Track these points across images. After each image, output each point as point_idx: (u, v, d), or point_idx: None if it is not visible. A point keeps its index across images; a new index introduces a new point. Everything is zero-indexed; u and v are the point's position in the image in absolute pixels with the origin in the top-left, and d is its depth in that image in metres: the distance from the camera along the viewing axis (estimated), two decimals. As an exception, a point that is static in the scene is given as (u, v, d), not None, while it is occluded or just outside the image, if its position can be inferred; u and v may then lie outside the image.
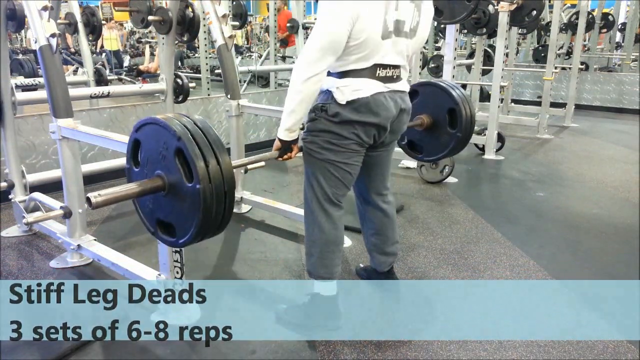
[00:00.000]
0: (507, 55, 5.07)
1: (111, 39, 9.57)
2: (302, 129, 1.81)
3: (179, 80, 3.44)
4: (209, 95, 4.91)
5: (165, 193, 1.41)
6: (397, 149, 2.23)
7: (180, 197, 1.38)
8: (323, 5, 1.62)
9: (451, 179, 3.90)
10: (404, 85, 1.85)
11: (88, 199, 1.30)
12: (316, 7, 6.28)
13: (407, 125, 1.96)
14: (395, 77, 1.78)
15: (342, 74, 1.72)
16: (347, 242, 2.65)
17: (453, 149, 2.41)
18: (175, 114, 1.44)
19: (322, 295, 1.90)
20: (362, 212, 2.14)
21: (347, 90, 1.70)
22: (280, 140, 1.79)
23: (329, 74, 1.74)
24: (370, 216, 2.10)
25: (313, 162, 1.81)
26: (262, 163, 3.37)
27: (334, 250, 1.88)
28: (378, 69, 1.72)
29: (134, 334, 1.80)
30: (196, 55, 10.63)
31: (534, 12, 4.91)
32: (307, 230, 1.91)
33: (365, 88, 1.71)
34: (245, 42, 11.85)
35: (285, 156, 1.83)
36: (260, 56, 8.97)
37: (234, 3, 6.42)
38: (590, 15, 7.50)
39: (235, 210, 3.21)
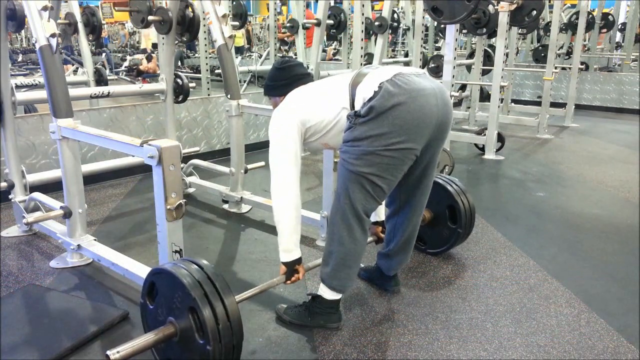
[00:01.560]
0: (507, 55, 5.07)
1: (150, 38, 9.85)
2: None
3: (179, 80, 3.44)
4: (209, 95, 4.91)
5: (177, 339, 1.50)
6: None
7: (190, 348, 1.46)
8: (271, 139, 1.81)
9: (451, 179, 3.90)
10: (417, 69, 1.81)
11: (107, 357, 1.37)
12: (316, 7, 6.27)
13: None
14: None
15: (351, 96, 1.72)
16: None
17: (454, 243, 2.50)
18: (187, 263, 1.52)
19: (324, 298, 1.90)
20: (395, 221, 2.08)
21: (368, 85, 1.67)
22: (283, 263, 1.82)
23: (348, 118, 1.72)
24: (401, 229, 2.06)
25: (344, 174, 1.75)
26: (262, 163, 3.39)
27: (350, 266, 1.85)
28: (360, 73, 1.75)
29: (135, 334, 1.80)
30: (196, 55, 10.63)
31: (534, 12, 4.91)
32: (327, 239, 1.89)
33: (381, 75, 1.68)
34: (247, 43, 11.83)
35: (294, 278, 1.85)
36: (260, 56, 8.97)
37: (234, 3, 6.43)
38: (590, 15, 7.51)
39: (235, 210, 3.21)
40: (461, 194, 2.43)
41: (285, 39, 9.41)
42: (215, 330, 1.39)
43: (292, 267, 1.83)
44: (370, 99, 1.64)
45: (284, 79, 1.95)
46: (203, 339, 1.41)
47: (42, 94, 2.82)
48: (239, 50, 10.97)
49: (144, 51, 9.38)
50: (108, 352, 1.36)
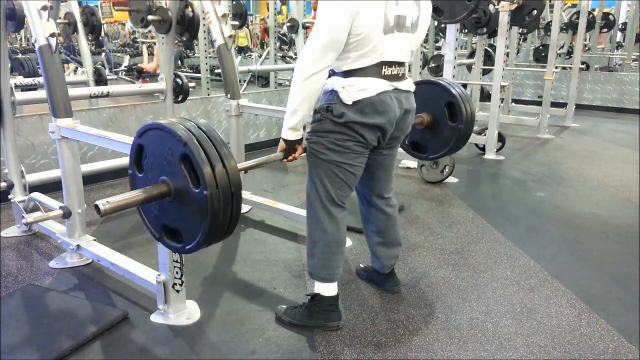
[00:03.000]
0: (507, 54, 5.06)
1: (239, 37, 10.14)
2: (304, 128, 1.81)
3: (178, 80, 3.44)
4: (208, 95, 4.90)
5: (171, 199, 1.40)
6: (400, 150, 2.22)
7: (187, 202, 1.37)
8: (322, 4, 1.62)
9: (451, 179, 3.90)
10: (409, 85, 1.83)
11: (97, 207, 1.29)
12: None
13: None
14: (400, 75, 1.78)
15: (347, 73, 1.71)
16: (348, 242, 2.64)
17: (456, 143, 2.38)
18: (179, 118, 1.42)
19: (322, 295, 1.90)
20: (365, 214, 2.14)
21: (353, 90, 1.69)
22: (284, 140, 1.78)
23: (334, 73, 1.74)
24: (373, 218, 2.10)
25: (317, 163, 1.80)
26: (262, 163, 3.38)
27: (336, 252, 1.87)
28: (384, 67, 1.71)
29: (134, 334, 1.80)
30: (196, 54, 10.62)
31: (535, 12, 4.90)
32: (309, 232, 1.91)
33: (371, 87, 1.70)
34: (250, 42, 11.81)
35: (290, 157, 1.82)
36: (260, 56, 8.97)
37: (234, 3, 6.42)
38: (591, 15, 7.50)
39: (235, 210, 3.21)
40: (462, 96, 2.31)
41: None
42: (210, 175, 1.29)
43: (292, 145, 1.79)
44: (345, 105, 1.70)
45: None
46: (198, 188, 1.31)
47: (42, 93, 2.81)
48: (243, 50, 10.98)
49: (102, 51, 9.35)
50: (97, 202, 1.29)
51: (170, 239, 1.46)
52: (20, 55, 6.84)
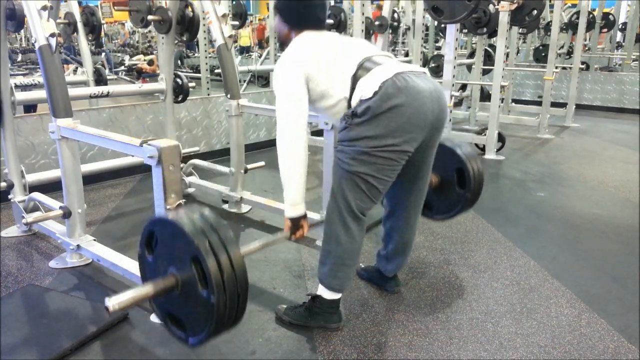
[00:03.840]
0: (507, 54, 5.07)
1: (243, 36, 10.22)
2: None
3: (178, 80, 3.44)
4: (208, 95, 4.90)
5: (178, 291, 1.43)
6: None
7: (193, 299, 1.40)
8: (275, 88, 1.74)
9: (451, 179, 3.90)
10: (418, 67, 1.80)
11: (106, 308, 1.32)
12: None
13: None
14: (397, 62, 1.75)
15: (352, 87, 1.69)
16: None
17: (462, 208, 2.37)
18: (192, 212, 1.43)
19: (324, 298, 1.89)
20: (391, 223, 2.07)
21: (369, 84, 1.65)
22: (288, 218, 1.78)
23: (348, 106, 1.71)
24: (397, 231, 2.06)
25: (340, 173, 1.75)
26: (262, 163, 3.39)
27: (348, 265, 1.84)
28: (366, 63, 1.71)
29: (134, 334, 1.80)
30: (196, 54, 10.63)
31: (535, 12, 4.90)
32: (324, 239, 1.87)
33: (383, 73, 1.65)
34: (252, 42, 11.83)
35: (298, 234, 1.80)
36: (260, 56, 8.97)
37: (234, 3, 6.42)
38: (591, 15, 7.50)
39: (235, 210, 3.21)
40: (471, 159, 2.29)
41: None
42: (219, 281, 1.31)
43: (297, 222, 1.79)
44: (368, 99, 1.64)
45: (301, 10, 1.83)
46: (206, 291, 1.33)
47: (42, 93, 2.81)
48: (246, 50, 10.98)
49: (101, 51, 9.41)
50: (107, 302, 1.30)
51: (174, 326, 1.49)
52: (19, 55, 6.83)
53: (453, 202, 2.34)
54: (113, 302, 1.31)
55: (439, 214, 2.43)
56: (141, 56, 9.83)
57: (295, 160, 1.69)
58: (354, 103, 1.69)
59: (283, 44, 1.89)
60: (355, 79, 1.69)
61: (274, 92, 1.75)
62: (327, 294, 1.88)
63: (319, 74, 1.71)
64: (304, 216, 1.79)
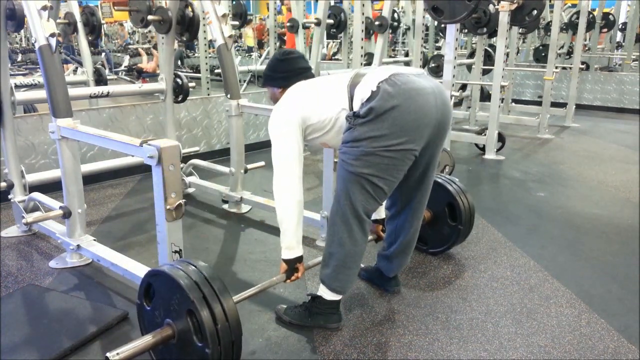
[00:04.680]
0: (507, 54, 5.07)
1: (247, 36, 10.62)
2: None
3: (178, 80, 3.44)
4: (208, 95, 4.90)
5: (174, 341, 1.50)
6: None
7: (189, 350, 1.46)
8: (271, 136, 1.81)
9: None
10: (416, 69, 1.80)
11: (107, 358, 1.37)
12: (316, 7, 6.27)
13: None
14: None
15: (350, 96, 1.71)
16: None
17: (455, 241, 2.48)
18: (184, 265, 1.51)
19: (324, 298, 1.89)
20: (395, 224, 2.07)
21: (366, 86, 1.66)
22: (284, 260, 1.81)
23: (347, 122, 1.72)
24: (402, 232, 2.06)
25: (344, 175, 1.74)
26: (262, 163, 3.39)
27: (351, 267, 1.84)
28: (358, 74, 1.74)
29: (134, 334, 1.80)
30: (196, 54, 10.63)
31: (535, 12, 4.90)
32: (327, 241, 1.87)
33: (379, 74, 1.66)
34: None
35: (293, 277, 1.83)
36: (260, 56, 8.97)
37: (234, 3, 6.42)
38: (591, 15, 7.50)
39: (235, 210, 3.21)
40: (460, 193, 2.42)
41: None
42: (214, 333, 1.39)
43: (293, 265, 1.82)
44: (368, 99, 1.64)
45: (284, 72, 1.94)
46: (202, 342, 1.41)
47: (42, 93, 2.81)
48: (250, 50, 11.00)
49: (102, 52, 9.46)
50: (108, 355, 1.36)
51: None
52: (19, 55, 6.83)
53: (446, 235, 2.48)
54: (113, 354, 1.38)
55: (434, 248, 2.55)
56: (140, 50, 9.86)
57: (291, 205, 1.75)
58: (355, 107, 1.69)
59: (277, 102, 1.95)
60: (351, 88, 1.71)
61: (271, 140, 1.82)
62: (328, 295, 1.88)
63: (313, 108, 1.79)
64: (300, 258, 1.83)
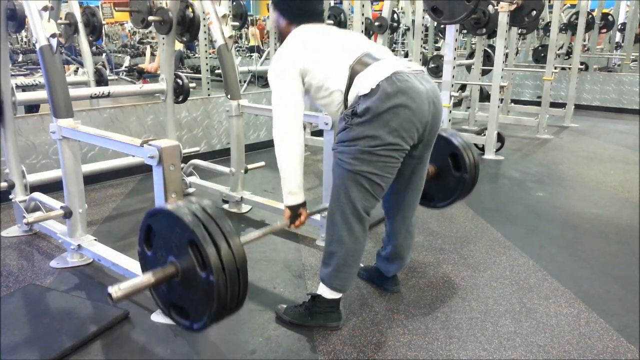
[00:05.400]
0: (506, 55, 5.07)
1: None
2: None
3: (179, 81, 3.45)
4: (209, 95, 4.91)
5: (178, 279, 1.45)
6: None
7: (194, 284, 1.41)
8: (271, 80, 1.77)
9: (451, 179, 3.91)
10: (416, 65, 1.79)
11: (109, 294, 1.35)
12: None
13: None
14: (395, 60, 1.74)
15: (349, 81, 1.69)
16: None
17: (463, 191, 2.39)
18: (186, 201, 1.45)
19: (324, 297, 1.90)
20: (390, 225, 2.08)
21: (366, 80, 1.65)
22: (287, 207, 1.80)
23: (348, 92, 1.71)
24: (395, 233, 2.07)
25: (341, 174, 1.75)
26: (262, 163, 3.40)
27: (351, 265, 1.85)
28: (364, 57, 1.71)
29: (135, 334, 1.80)
30: (196, 55, 10.63)
31: (534, 12, 4.92)
32: (326, 240, 1.88)
33: (381, 71, 1.65)
34: (259, 42, 11.83)
35: (297, 222, 1.83)
36: (261, 56, 8.98)
37: (234, 3, 6.43)
38: (590, 16, 7.51)
39: (235, 210, 3.22)
40: (464, 144, 2.33)
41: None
42: (217, 260, 1.32)
43: (296, 211, 1.81)
44: (365, 96, 1.64)
45: (299, 7, 1.85)
46: (205, 272, 1.35)
47: (43, 94, 2.82)
48: (254, 50, 11.03)
49: (102, 52, 9.46)
50: (110, 290, 1.34)
51: (178, 316, 1.50)
52: (20, 56, 6.83)
53: (452, 187, 2.37)
54: (115, 290, 1.34)
55: (440, 201, 2.45)
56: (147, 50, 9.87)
57: (291, 150, 1.72)
58: (351, 98, 1.70)
59: (281, 38, 1.91)
60: (352, 73, 1.69)
61: (270, 85, 1.78)
62: (328, 294, 1.89)
63: (315, 67, 1.73)
64: (303, 204, 1.81)
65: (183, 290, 1.44)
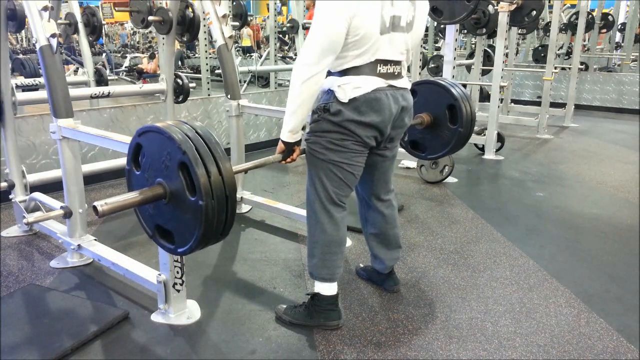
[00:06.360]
0: (506, 55, 5.07)
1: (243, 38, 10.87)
2: (303, 129, 1.82)
3: (179, 81, 3.45)
4: (209, 95, 4.91)
5: (166, 201, 1.41)
6: (400, 149, 2.22)
7: (182, 207, 1.38)
8: (319, 4, 1.62)
9: (451, 179, 3.91)
10: (405, 83, 1.85)
11: (95, 208, 1.31)
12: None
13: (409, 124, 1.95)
14: (396, 73, 1.79)
15: (343, 72, 1.73)
16: (348, 242, 2.65)
17: (455, 145, 2.38)
18: (178, 122, 1.43)
19: (322, 294, 1.90)
20: (364, 215, 2.15)
21: (349, 88, 1.71)
22: (283, 142, 1.79)
23: (330, 73, 1.75)
24: (372, 219, 2.11)
25: (316, 163, 1.82)
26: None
27: (336, 252, 1.88)
28: (379, 65, 1.73)
29: (135, 334, 1.80)
30: (196, 55, 10.63)
31: (534, 13, 4.92)
32: (309, 232, 1.92)
33: (365, 85, 1.71)
34: (253, 42, 11.82)
35: (289, 158, 1.84)
36: (261, 56, 8.98)
37: (234, 3, 6.43)
38: (590, 16, 7.51)
39: (235, 210, 3.21)
40: (463, 97, 2.30)
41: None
42: (207, 184, 1.30)
43: (291, 148, 1.80)
44: (341, 102, 1.71)
45: None
46: (194, 196, 1.33)
47: (43, 94, 2.82)
48: (248, 50, 11.01)
49: (102, 52, 9.48)
50: (95, 203, 1.30)
51: (163, 239, 1.47)
52: (21, 56, 6.84)
53: (446, 139, 2.37)
54: (102, 204, 1.31)
55: (433, 152, 2.46)
56: (141, 55, 9.88)
57: (310, 87, 1.64)
58: (327, 84, 1.74)
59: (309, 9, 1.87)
60: (352, 69, 1.71)
61: (316, 7, 1.62)
62: (323, 288, 1.90)
63: (358, 28, 1.62)
64: (299, 142, 1.82)
65: (170, 213, 1.41)
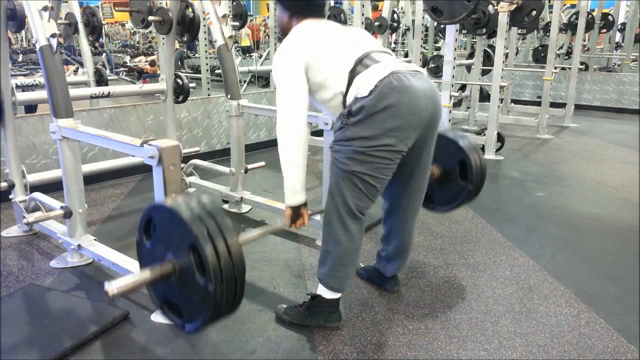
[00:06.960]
0: (506, 55, 5.08)
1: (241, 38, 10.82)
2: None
3: (179, 81, 3.45)
4: (209, 95, 4.91)
5: (175, 278, 1.43)
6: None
7: (190, 286, 1.39)
8: (275, 73, 1.73)
9: (451, 179, 3.91)
10: (416, 67, 1.79)
11: (106, 292, 1.32)
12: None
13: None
14: (395, 61, 1.74)
15: (348, 83, 1.69)
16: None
17: (463, 200, 2.34)
18: (189, 200, 1.42)
19: (324, 297, 1.90)
20: (389, 225, 2.08)
21: (365, 81, 1.65)
22: (289, 206, 1.76)
23: (344, 95, 1.71)
24: (395, 234, 2.06)
25: (337, 173, 1.75)
26: (262, 163, 3.40)
27: (348, 264, 1.84)
28: (365, 59, 1.70)
29: (135, 334, 1.80)
30: (196, 55, 10.63)
31: (534, 13, 4.92)
32: (323, 239, 1.87)
33: (380, 71, 1.65)
34: (252, 42, 11.81)
35: (298, 223, 1.79)
36: (261, 56, 8.98)
37: (234, 3, 6.43)
38: (590, 16, 7.51)
39: (235, 210, 3.22)
40: (473, 150, 2.27)
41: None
42: (217, 269, 1.31)
43: (298, 211, 1.78)
44: (363, 97, 1.64)
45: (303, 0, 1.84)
46: (204, 278, 1.33)
47: (43, 94, 2.82)
48: (247, 50, 11.00)
49: (102, 52, 9.46)
50: (106, 286, 1.31)
51: (171, 312, 1.49)
52: (20, 56, 6.83)
53: (455, 194, 2.32)
54: (112, 287, 1.32)
55: (440, 205, 2.40)
56: (142, 57, 9.86)
57: (295, 148, 1.68)
58: (349, 99, 1.69)
59: (284, 33, 1.88)
60: (352, 75, 1.69)
61: (274, 80, 1.75)
62: (327, 294, 1.89)
63: (318, 64, 1.71)
64: (305, 204, 1.78)
65: (179, 290, 1.42)
